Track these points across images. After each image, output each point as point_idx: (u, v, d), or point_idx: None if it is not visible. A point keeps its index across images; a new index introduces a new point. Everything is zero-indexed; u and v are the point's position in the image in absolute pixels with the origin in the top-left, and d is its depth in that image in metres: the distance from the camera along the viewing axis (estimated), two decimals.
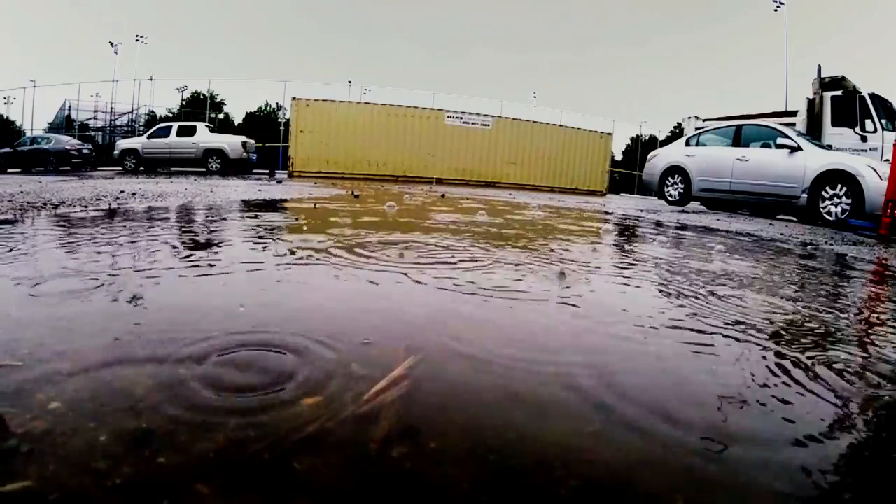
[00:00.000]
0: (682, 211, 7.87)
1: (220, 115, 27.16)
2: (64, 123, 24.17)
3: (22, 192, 4.64)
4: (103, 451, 0.59)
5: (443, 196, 7.18)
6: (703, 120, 12.68)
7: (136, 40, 29.36)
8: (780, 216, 8.45)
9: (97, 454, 0.58)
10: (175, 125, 15.01)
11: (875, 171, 6.56)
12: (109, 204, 3.75)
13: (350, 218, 3.36)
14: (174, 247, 2.02)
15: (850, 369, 1.06)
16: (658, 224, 5.04)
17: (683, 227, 4.75)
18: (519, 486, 0.61)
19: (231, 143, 14.46)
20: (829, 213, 6.90)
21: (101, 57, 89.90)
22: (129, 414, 0.68)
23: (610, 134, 17.52)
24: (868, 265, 3.18)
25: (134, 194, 4.73)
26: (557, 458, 0.67)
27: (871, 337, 1.39)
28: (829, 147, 8.41)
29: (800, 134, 8.21)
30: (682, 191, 8.95)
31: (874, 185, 6.40)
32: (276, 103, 27.91)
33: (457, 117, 15.79)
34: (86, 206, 3.51)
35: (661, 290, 1.76)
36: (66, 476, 0.55)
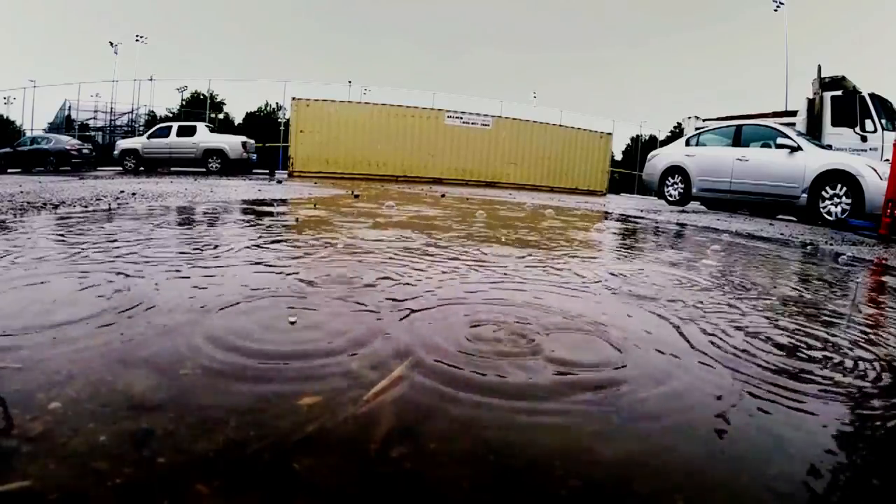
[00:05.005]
0: (682, 211, 7.87)
1: (220, 115, 27.15)
2: (64, 123, 24.13)
3: (22, 192, 4.64)
4: None
5: (443, 196, 7.18)
6: (703, 120, 12.67)
7: (136, 40, 29.33)
8: (780, 216, 8.45)
9: None
10: (175, 125, 14.99)
11: (875, 171, 6.56)
12: (109, 204, 3.75)
13: (353, 218, 3.36)
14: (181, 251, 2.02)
15: None
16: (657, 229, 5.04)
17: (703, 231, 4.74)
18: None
19: (231, 143, 14.44)
20: (829, 212, 6.89)
21: (101, 57, 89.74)
22: None
23: (610, 134, 17.50)
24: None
25: (134, 194, 4.73)
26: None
27: None
28: (829, 147, 8.40)
29: (800, 134, 8.21)
30: (682, 191, 8.94)
31: (874, 184, 6.39)
32: (276, 103, 27.92)
33: (457, 117, 15.78)
34: (86, 207, 3.51)
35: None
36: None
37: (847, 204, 6.71)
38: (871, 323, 1.60)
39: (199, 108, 25.01)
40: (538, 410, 0.80)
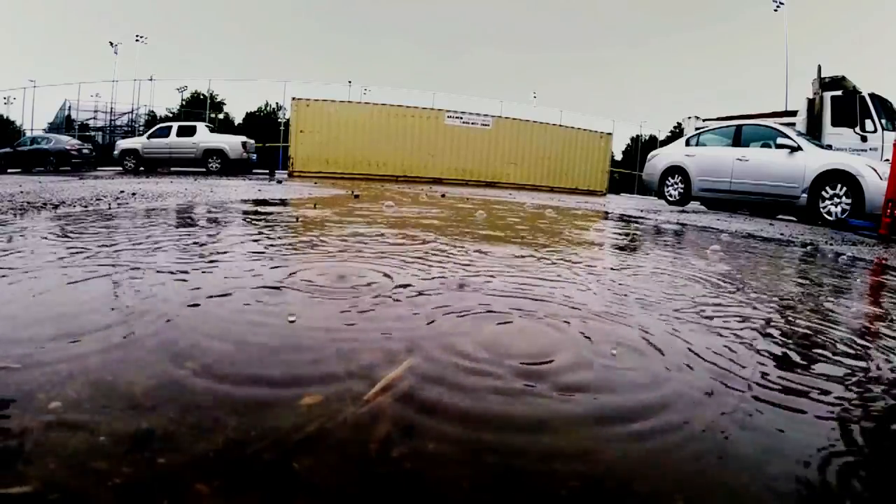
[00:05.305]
0: (682, 211, 7.87)
1: (220, 115, 27.15)
2: (64, 123, 24.14)
3: (22, 192, 4.64)
4: None
5: (443, 196, 7.18)
6: (703, 120, 12.68)
7: (136, 40, 29.35)
8: (780, 216, 8.45)
9: None
10: (175, 125, 14.99)
11: (875, 170, 6.56)
12: (109, 204, 3.75)
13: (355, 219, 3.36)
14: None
15: None
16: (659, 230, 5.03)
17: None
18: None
19: (231, 143, 14.44)
20: (829, 213, 6.89)
21: (101, 57, 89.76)
22: None
23: (610, 134, 17.50)
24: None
25: (134, 195, 4.73)
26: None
27: None
28: (829, 147, 8.41)
29: (800, 134, 8.21)
30: (682, 191, 8.95)
31: (874, 184, 6.39)
32: (276, 103, 27.93)
33: (457, 117, 15.77)
34: (86, 207, 3.51)
35: None
36: None
37: (847, 204, 6.71)
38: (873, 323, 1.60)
39: (199, 108, 25.02)
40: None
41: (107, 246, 1.96)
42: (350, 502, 0.58)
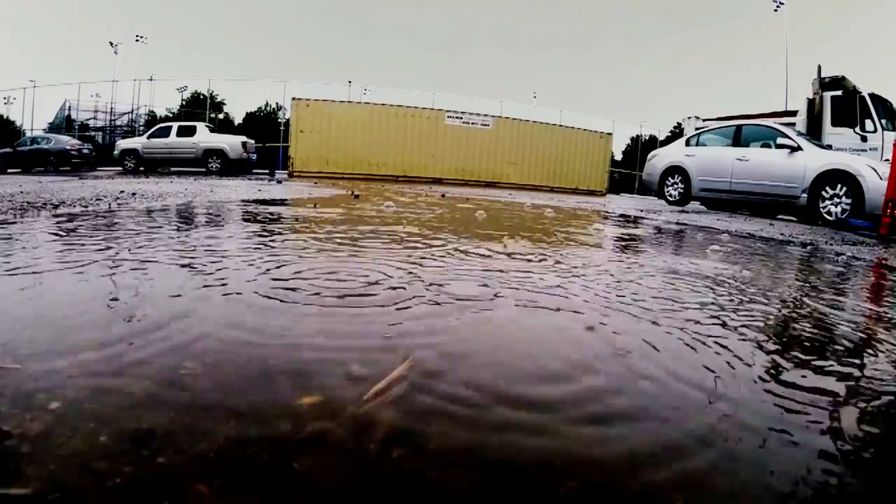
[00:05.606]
0: (682, 211, 7.86)
1: (220, 115, 27.13)
2: (64, 123, 24.15)
3: (22, 192, 4.64)
4: None
5: (443, 196, 7.18)
6: (703, 120, 12.68)
7: (136, 40, 29.37)
8: (780, 216, 8.45)
9: None
10: (175, 125, 15.00)
11: (875, 171, 6.56)
12: (109, 204, 3.75)
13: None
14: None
15: None
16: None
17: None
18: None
19: (231, 143, 14.45)
20: (829, 212, 6.90)
21: (101, 57, 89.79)
22: None
23: (610, 134, 17.51)
24: None
25: (134, 194, 4.73)
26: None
27: None
28: (829, 147, 8.41)
29: (800, 134, 8.21)
30: (682, 191, 8.95)
31: (874, 185, 6.39)
32: (276, 103, 27.86)
33: (457, 117, 15.77)
34: (86, 207, 3.51)
35: None
36: None
37: (847, 204, 6.71)
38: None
39: (199, 108, 25.00)
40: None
41: (106, 245, 1.96)
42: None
